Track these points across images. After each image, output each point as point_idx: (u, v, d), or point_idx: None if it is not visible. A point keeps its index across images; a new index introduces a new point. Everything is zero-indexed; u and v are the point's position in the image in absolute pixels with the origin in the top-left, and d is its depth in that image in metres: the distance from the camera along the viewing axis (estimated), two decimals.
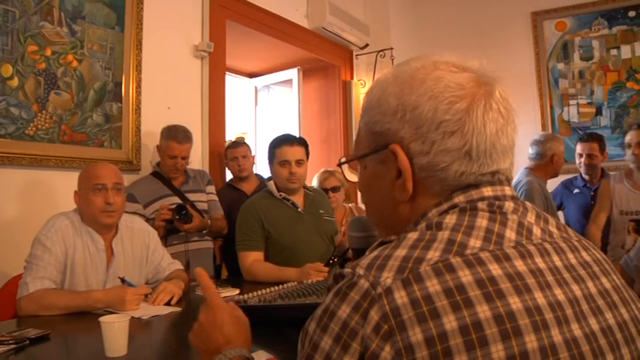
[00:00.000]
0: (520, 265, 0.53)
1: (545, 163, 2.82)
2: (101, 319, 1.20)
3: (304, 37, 3.87)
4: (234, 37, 3.38)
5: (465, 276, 0.51)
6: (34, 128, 2.21)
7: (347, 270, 0.55)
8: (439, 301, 0.49)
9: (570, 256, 0.59)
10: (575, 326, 0.52)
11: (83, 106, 2.40)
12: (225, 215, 2.69)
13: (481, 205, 0.59)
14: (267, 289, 1.62)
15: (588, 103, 4.18)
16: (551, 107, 4.28)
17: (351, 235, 0.88)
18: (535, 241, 0.57)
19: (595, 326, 0.53)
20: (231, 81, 4.28)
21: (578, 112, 4.21)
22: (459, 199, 0.60)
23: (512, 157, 0.63)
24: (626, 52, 4.05)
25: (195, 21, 3.01)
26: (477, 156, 0.59)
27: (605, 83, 4.12)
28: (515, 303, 0.50)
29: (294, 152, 2.23)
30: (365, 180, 0.69)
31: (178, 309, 1.68)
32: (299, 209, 2.29)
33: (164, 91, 2.79)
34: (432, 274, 0.51)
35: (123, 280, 1.77)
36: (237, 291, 1.87)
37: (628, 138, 2.71)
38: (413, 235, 0.56)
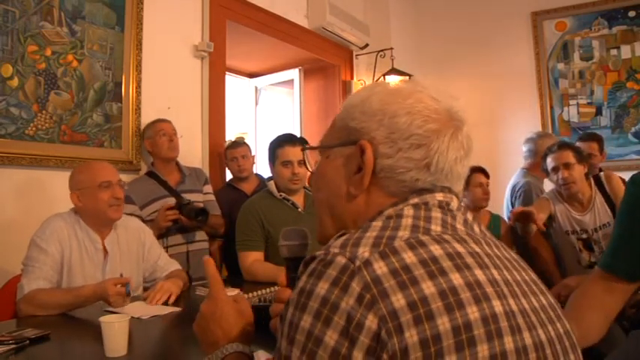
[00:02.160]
0: (475, 247, 0.60)
1: (539, 161, 2.81)
2: (101, 319, 1.20)
3: (304, 37, 3.87)
4: (234, 37, 3.38)
5: (436, 250, 0.56)
6: (34, 128, 2.21)
7: (318, 253, 0.57)
8: (417, 270, 0.53)
9: (497, 251, 0.65)
10: (518, 301, 0.59)
11: (83, 106, 2.40)
12: (226, 215, 2.68)
13: (432, 203, 0.65)
14: (267, 289, 1.62)
15: (588, 103, 4.18)
16: (551, 107, 4.28)
17: (284, 245, 0.87)
18: (477, 235, 0.65)
19: (523, 306, 0.60)
20: (231, 81, 4.28)
21: (578, 112, 4.21)
22: (414, 200, 0.64)
23: (462, 186, 0.71)
24: (626, 52, 4.05)
25: (195, 21, 3.01)
26: (434, 170, 0.65)
27: (605, 83, 4.12)
28: (479, 275, 0.57)
29: (296, 152, 2.22)
30: (322, 170, 0.74)
31: (178, 309, 1.68)
32: (299, 209, 2.29)
33: (164, 91, 2.79)
34: (406, 248, 0.55)
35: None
36: (237, 291, 1.87)
37: (551, 161, 2.46)
38: (377, 224, 0.60)
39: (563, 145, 2.50)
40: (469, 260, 0.57)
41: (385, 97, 0.68)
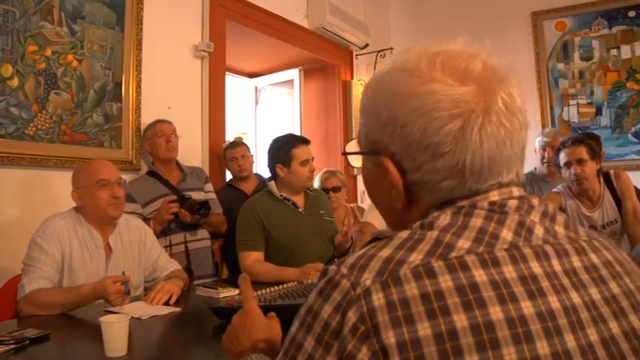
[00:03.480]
0: (509, 271, 0.50)
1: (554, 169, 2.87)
2: (101, 319, 1.20)
3: (304, 37, 3.87)
4: (234, 37, 3.38)
5: (445, 281, 0.49)
6: (34, 128, 2.21)
7: (332, 267, 0.54)
8: (415, 307, 0.47)
9: (574, 259, 0.55)
10: (569, 337, 0.48)
11: (83, 106, 2.40)
12: (226, 215, 2.69)
13: (481, 204, 0.56)
14: (268, 289, 1.62)
15: (588, 103, 4.18)
16: (551, 107, 4.28)
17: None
18: (534, 243, 0.54)
19: (594, 337, 0.49)
20: (231, 81, 4.28)
21: (578, 112, 4.21)
22: (463, 203, 0.57)
23: (520, 163, 0.59)
24: (626, 52, 4.05)
25: (195, 21, 3.01)
26: (470, 174, 0.55)
27: (605, 83, 4.11)
28: (495, 313, 0.47)
29: (310, 151, 2.29)
30: (365, 176, 0.68)
31: (178, 309, 1.68)
32: (300, 209, 2.28)
33: (164, 91, 2.79)
34: (410, 278, 0.49)
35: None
36: (237, 291, 1.87)
37: (564, 156, 2.47)
38: (403, 234, 0.54)
39: (577, 141, 2.51)
40: (486, 294, 0.48)
41: (391, 100, 0.58)
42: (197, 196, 2.54)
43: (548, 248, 0.54)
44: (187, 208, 2.35)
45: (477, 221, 0.54)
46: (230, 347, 0.83)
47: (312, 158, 2.29)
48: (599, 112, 4.13)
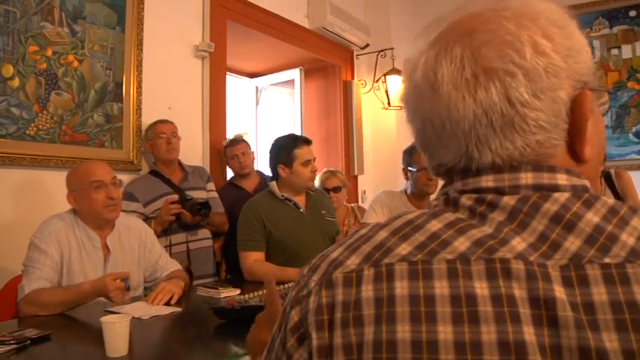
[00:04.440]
0: (442, 286, 0.43)
1: None
2: (102, 319, 1.20)
3: (305, 37, 3.87)
4: (235, 37, 3.38)
5: (367, 291, 0.45)
6: (34, 128, 2.21)
7: (305, 266, 0.54)
8: (337, 312, 0.46)
9: (557, 288, 0.41)
10: None
11: (84, 107, 2.40)
12: (227, 214, 2.69)
13: (463, 201, 0.49)
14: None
15: None
16: None
17: None
18: (497, 255, 0.43)
19: None
20: (232, 81, 4.28)
21: None
22: (457, 185, 0.51)
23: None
24: (627, 51, 4.05)
25: (195, 21, 3.01)
26: (448, 139, 0.51)
27: (606, 83, 4.11)
28: (403, 332, 0.42)
29: (312, 151, 2.29)
30: None
31: (179, 309, 1.68)
32: (301, 210, 2.28)
33: (165, 91, 2.79)
34: (340, 283, 0.47)
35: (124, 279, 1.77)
36: (238, 291, 1.87)
37: None
38: (363, 230, 0.52)
39: None
40: (400, 309, 0.43)
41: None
42: (199, 195, 2.54)
43: (516, 266, 0.42)
44: (188, 209, 2.35)
45: (436, 225, 0.47)
46: (252, 344, 0.82)
47: (314, 158, 2.30)
48: None
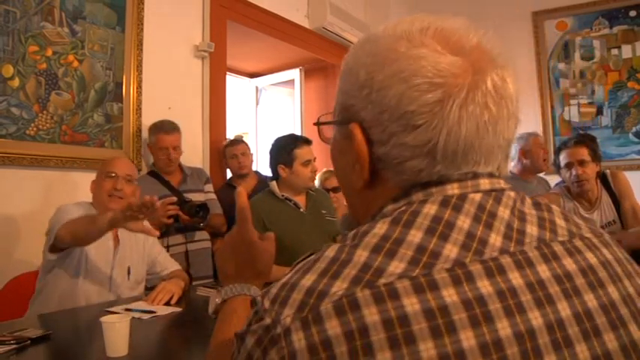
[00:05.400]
0: (449, 295, 0.42)
1: (529, 165, 2.90)
2: (102, 319, 1.20)
3: (305, 37, 3.87)
4: (235, 37, 3.38)
5: (371, 315, 0.41)
6: (35, 128, 2.21)
7: (258, 298, 0.48)
8: (338, 347, 0.41)
9: (541, 268, 0.47)
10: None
11: (84, 107, 2.40)
12: (226, 215, 2.69)
13: (432, 200, 0.49)
14: None
15: (589, 103, 4.17)
16: (552, 107, 4.28)
17: (343, 234, 0.88)
18: (486, 256, 0.46)
19: (584, 354, 0.43)
20: (232, 81, 4.28)
21: (579, 112, 4.21)
22: (417, 196, 0.50)
23: (502, 157, 0.52)
24: (627, 51, 4.05)
25: (195, 21, 3.01)
26: (442, 156, 0.49)
27: (606, 83, 4.11)
28: (427, 350, 0.40)
29: (312, 151, 2.29)
30: (332, 150, 0.61)
31: (179, 309, 1.68)
32: (301, 209, 2.28)
33: (165, 91, 2.79)
34: (332, 314, 0.42)
35: (129, 272, 1.87)
36: None
37: (565, 157, 2.45)
38: (330, 252, 0.47)
39: (579, 142, 2.48)
40: (417, 327, 0.41)
41: (372, 61, 0.52)
42: (197, 197, 2.54)
43: (506, 260, 0.46)
44: (186, 212, 2.34)
45: (416, 235, 0.46)
46: (219, 268, 0.79)
47: (314, 158, 2.30)
48: (600, 112, 4.13)
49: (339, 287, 0.43)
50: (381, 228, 0.47)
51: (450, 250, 0.45)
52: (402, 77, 0.49)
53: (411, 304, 0.42)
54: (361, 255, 0.45)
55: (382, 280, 0.43)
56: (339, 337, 0.41)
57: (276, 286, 0.48)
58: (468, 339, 0.41)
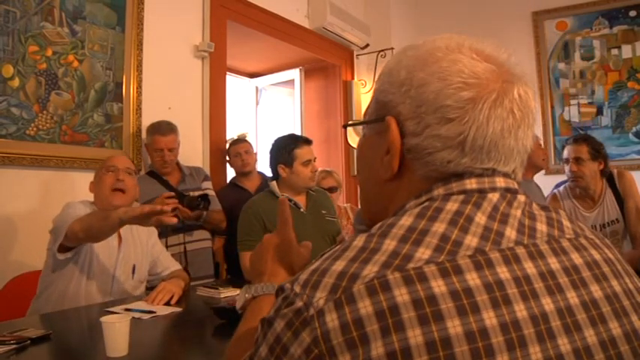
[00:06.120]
0: (472, 278, 0.47)
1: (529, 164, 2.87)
2: (102, 319, 1.20)
3: (305, 37, 3.87)
4: (235, 37, 3.38)
5: (401, 295, 0.45)
6: (34, 128, 2.21)
7: (286, 285, 0.51)
8: (369, 325, 0.44)
9: (552, 260, 0.52)
10: (533, 349, 0.45)
11: (84, 107, 2.40)
12: (229, 214, 2.68)
13: (454, 196, 0.54)
14: None
15: (589, 103, 4.17)
16: (552, 107, 4.28)
17: (358, 229, 0.89)
18: (504, 246, 0.50)
19: (591, 339, 0.48)
20: (232, 81, 4.28)
21: (579, 112, 4.21)
22: (439, 191, 0.55)
23: (519, 162, 0.57)
24: (627, 51, 4.05)
25: (195, 21, 3.01)
26: (470, 149, 0.54)
27: (606, 83, 4.11)
28: (454, 327, 0.44)
29: (312, 151, 2.29)
30: (360, 149, 0.66)
31: (179, 309, 1.68)
32: (301, 210, 2.28)
33: (165, 91, 2.79)
34: (364, 294, 0.45)
35: (134, 271, 1.87)
36: (238, 291, 1.87)
37: (565, 153, 2.58)
38: (358, 242, 0.51)
39: (580, 139, 2.53)
40: (444, 306, 0.45)
41: (414, 63, 0.58)
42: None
43: (520, 250, 0.51)
44: (187, 205, 2.34)
45: (440, 226, 0.50)
46: (252, 265, 0.82)
47: (315, 158, 2.30)
48: (600, 112, 4.13)
49: (370, 270, 0.47)
50: (407, 220, 0.52)
51: (471, 240, 0.50)
52: (440, 76, 0.55)
53: (439, 285, 0.46)
54: (389, 244, 0.49)
55: (411, 265, 0.47)
56: (370, 316, 0.44)
57: (305, 272, 0.51)
58: (490, 318, 0.45)
